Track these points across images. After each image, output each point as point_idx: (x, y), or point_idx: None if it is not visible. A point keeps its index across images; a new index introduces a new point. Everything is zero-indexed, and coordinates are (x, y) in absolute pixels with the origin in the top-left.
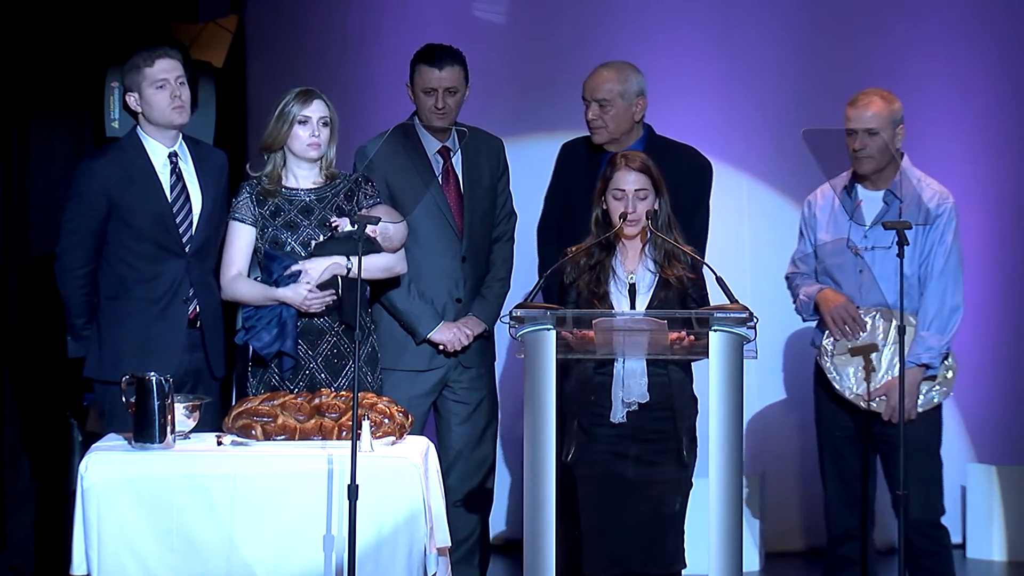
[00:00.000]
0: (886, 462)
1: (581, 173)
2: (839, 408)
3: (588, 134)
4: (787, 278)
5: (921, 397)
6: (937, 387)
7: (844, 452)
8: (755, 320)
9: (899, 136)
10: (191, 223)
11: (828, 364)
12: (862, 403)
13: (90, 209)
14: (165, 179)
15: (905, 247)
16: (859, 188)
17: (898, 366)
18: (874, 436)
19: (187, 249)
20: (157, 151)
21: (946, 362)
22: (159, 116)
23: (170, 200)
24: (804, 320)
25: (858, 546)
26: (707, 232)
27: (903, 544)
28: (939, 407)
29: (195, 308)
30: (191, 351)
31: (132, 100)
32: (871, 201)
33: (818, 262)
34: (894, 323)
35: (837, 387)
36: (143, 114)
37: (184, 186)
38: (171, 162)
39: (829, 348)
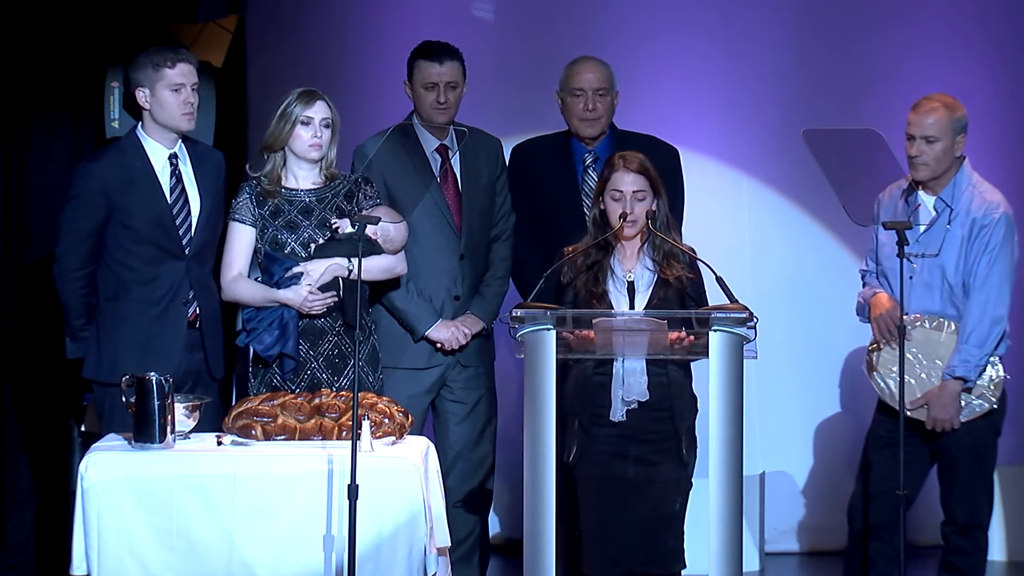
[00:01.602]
0: (938, 468)
1: (550, 171)
2: (885, 413)
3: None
4: (860, 274)
5: (964, 407)
6: (979, 397)
7: (879, 456)
8: (755, 320)
9: (959, 143)
10: (190, 225)
11: (873, 370)
12: (905, 411)
13: (89, 211)
14: (165, 181)
15: (953, 255)
16: (918, 193)
17: (940, 375)
18: (926, 444)
19: (186, 251)
20: (157, 152)
21: (990, 373)
22: (168, 119)
23: (170, 202)
24: (861, 321)
25: (879, 545)
26: (683, 216)
27: (903, 543)
28: (992, 414)
29: (195, 310)
30: (190, 352)
31: (142, 96)
32: (928, 207)
33: (877, 264)
34: (943, 330)
35: (878, 392)
36: (150, 113)
37: (183, 188)
38: (171, 164)
39: (874, 354)
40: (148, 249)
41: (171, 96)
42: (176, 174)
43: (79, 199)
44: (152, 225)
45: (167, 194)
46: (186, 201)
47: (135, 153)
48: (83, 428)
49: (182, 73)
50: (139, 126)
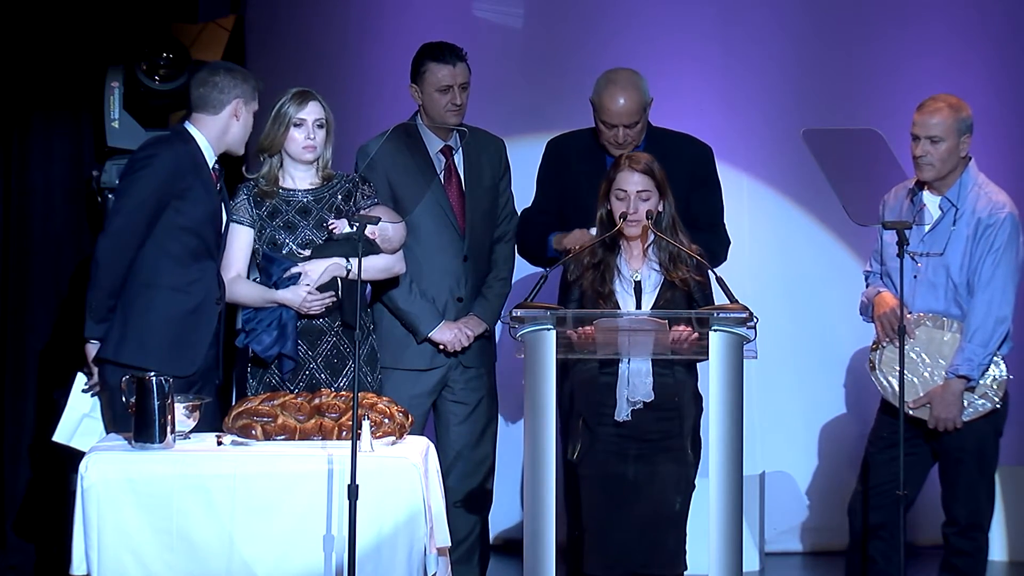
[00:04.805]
0: (940, 468)
1: (581, 168)
2: (888, 413)
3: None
4: (864, 274)
5: (967, 407)
6: (981, 397)
7: (881, 456)
8: (755, 320)
9: (964, 144)
10: (223, 224)
11: (876, 369)
12: (908, 410)
13: (157, 189)
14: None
15: (958, 255)
16: (923, 193)
17: (943, 374)
18: (927, 444)
19: (219, 250)
20: (208, 153)
21: (993, 373)
22: (241, 138)
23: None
24: (865, 321)
25: (879, 545)
26: (723, 211)
27: (903, 542)
28: (994, 414)
29: (222, 309)
30: (209, 348)
31: (241, 108)
32: (933, 207)
33: (882, 264)
34: (947, 329)
35: (881, 391)
36: (231, 129)
37: (223, 191)
38: (213, 170)
39: (877, 353)
40: (195, 243)
41: (251, 120)
42: (220, 178)
43: (151, 177)
44: (206, 220)
45: (216, 191)
46: (223, 200)
47: (196, 148)
48: (53, 438)
49: None
50: (187, 123)
